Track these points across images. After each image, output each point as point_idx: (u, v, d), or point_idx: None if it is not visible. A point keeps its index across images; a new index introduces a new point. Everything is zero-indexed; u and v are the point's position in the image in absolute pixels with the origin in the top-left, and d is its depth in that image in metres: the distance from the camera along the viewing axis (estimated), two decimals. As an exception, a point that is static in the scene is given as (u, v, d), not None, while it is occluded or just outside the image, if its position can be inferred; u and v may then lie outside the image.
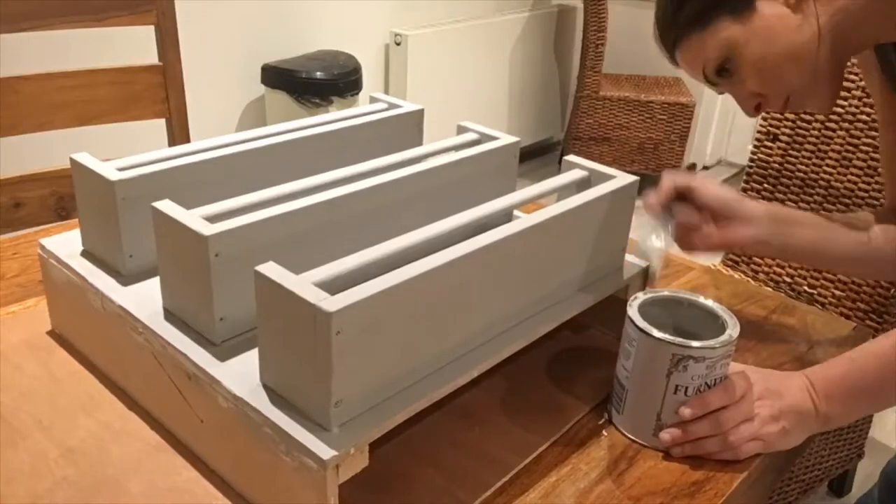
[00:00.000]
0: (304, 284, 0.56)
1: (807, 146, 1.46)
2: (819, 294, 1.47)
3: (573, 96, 3.35)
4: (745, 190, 1.56)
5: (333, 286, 0.57)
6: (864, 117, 1.39)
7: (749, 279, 1.56)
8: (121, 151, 1.45)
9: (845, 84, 1.41)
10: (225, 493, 0.64)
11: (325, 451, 0.56)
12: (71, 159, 0.76)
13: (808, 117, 1.46)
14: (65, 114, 1.32)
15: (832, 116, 1.43)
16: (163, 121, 1.42)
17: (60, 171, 1.33)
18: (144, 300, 0.72)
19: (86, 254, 0.79)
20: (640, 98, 3.10)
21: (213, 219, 0.65)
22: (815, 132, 1.45)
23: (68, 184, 1.36)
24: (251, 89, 2.42)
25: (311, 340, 0.55)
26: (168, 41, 1.37)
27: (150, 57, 1.38)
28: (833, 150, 1.43)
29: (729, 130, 3.62)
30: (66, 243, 0.81)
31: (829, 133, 1.43)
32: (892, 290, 1.37)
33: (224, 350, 0.66)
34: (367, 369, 0.59)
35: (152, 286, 0.74)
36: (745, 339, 0.89)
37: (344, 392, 0.57)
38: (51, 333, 0.83)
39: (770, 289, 1.44)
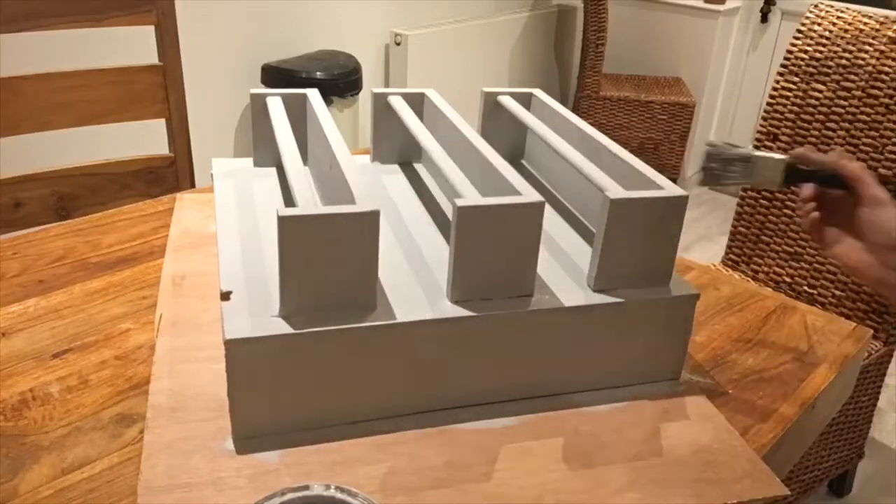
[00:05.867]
0: None
1: (807, 146, 1.46)
2: (819, 294, 1.47)
3: (573, 96, 3.35)
4: (745, 190, 1.56)
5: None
6: (863, 117, 1.39)
7: (749, 279, 1.56)
8: (121, 151, 1.46)
9: (845, 84, 1.41)
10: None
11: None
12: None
13: (807, 117, 1.46)
14: (65, 114, 1.32)
15: (832, 116, 1.43)
16: (163, 121, 1.43)
17: (60, 171, 1.33)
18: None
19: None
20: (640, 98, 3.10)
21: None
22: (815, 132, 1.45)
23: (68, 184, 1.36)
24: (251, 89, 2.42)
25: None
26: (168, 41, 1.37)
27: (150, 57, 1.39)
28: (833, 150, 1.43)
29: (729, 130, 3.62)
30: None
31: (829, 133, 1.43)
32: (892, 291, 1.36)
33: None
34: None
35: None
36: (745, 340, 0.89)
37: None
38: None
39: (770, 289, 1.44)
